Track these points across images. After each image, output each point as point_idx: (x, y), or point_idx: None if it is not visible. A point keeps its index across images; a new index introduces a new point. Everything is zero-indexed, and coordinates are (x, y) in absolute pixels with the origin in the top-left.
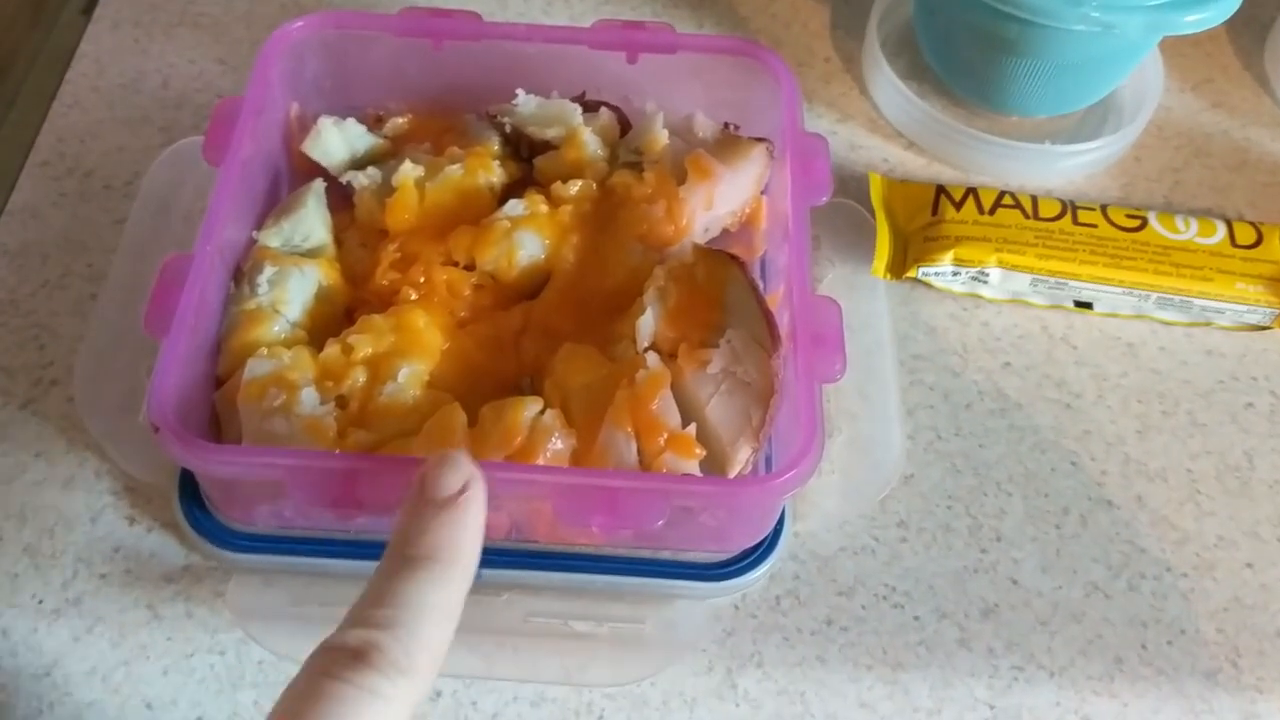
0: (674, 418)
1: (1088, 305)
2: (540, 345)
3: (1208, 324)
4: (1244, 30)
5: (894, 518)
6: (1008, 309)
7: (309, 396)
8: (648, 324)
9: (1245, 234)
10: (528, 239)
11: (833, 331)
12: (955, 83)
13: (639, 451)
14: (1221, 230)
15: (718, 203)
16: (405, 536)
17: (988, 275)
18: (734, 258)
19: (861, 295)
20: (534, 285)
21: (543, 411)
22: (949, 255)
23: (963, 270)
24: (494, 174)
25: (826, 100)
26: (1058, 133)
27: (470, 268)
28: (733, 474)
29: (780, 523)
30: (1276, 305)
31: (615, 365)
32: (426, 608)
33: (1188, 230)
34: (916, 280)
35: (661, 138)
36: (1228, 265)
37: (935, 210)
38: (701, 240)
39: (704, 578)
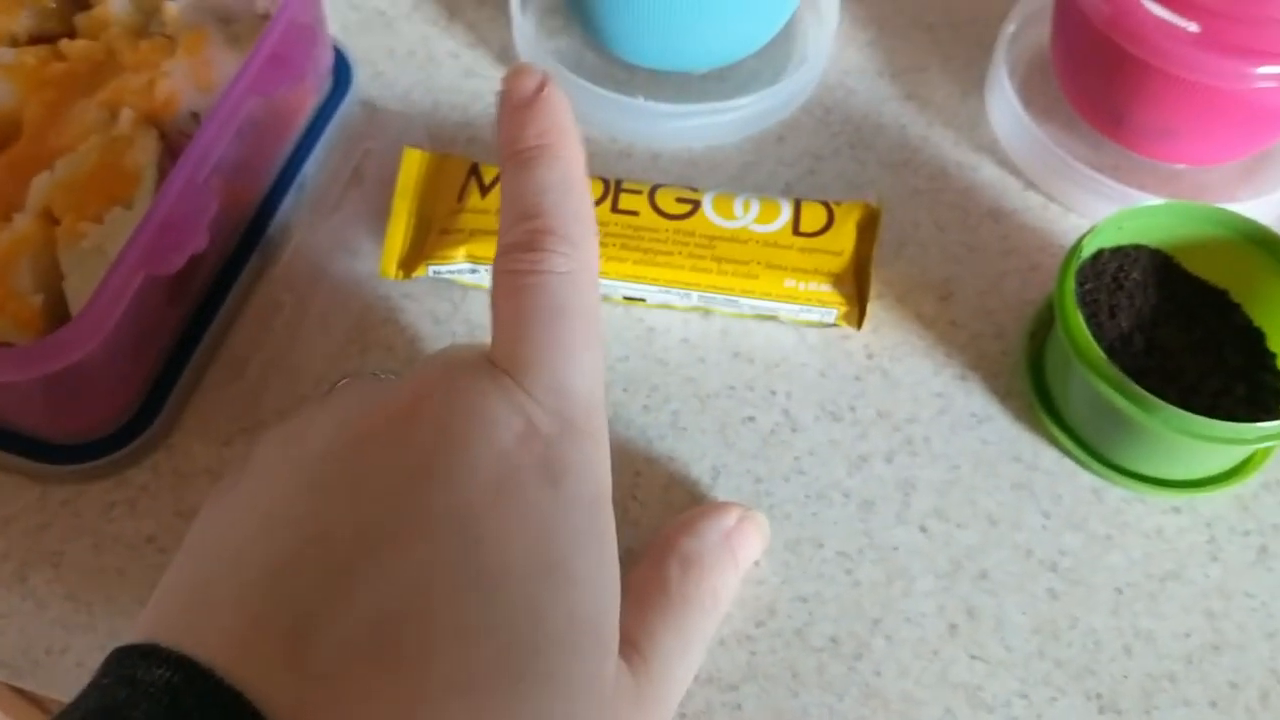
0: (23, 283)
1: (640, 299)
2: None
3: (774, 317)
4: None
5: None
6: None
7: None
8: (40, 185)
9: (814, 218)
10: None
11: (182, 220)
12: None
13: None
14: (785, 214)
15: (221, 84)
16: (511, 139)
17: None
18: (163, 136)
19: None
20: (5, 136)
21: None
22: (462, 251)
23: (481, 268)
24: (18, 23)
25: (468, 22)
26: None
27: None
28: None
29: (139, 425)
30: (834, 303)
31: None
32: (557, 181)
33: (745, 215)
34: (432, 278)
35: (172, 8)
36: (780, 258)
37: (461, 195)
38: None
39: (31, 454)
